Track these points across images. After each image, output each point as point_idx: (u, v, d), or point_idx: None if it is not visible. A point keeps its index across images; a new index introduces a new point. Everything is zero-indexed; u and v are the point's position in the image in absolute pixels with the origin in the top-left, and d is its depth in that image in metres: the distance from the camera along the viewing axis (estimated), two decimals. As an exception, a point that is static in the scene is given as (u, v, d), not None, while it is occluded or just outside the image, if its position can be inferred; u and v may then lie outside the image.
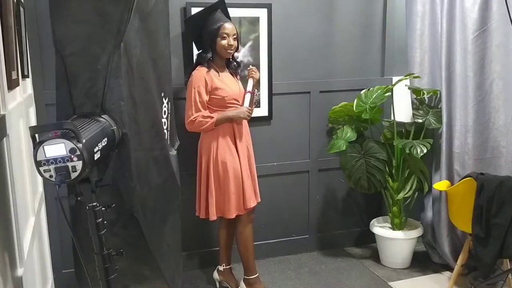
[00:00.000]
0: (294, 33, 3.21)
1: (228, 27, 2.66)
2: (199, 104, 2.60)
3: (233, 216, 2.74)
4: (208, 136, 2.71)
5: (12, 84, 2.04)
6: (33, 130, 1.15)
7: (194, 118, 2.60)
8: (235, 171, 2.70)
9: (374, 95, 3.07)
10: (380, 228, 3.27)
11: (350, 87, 3.35)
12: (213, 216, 2.73)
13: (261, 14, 3.07)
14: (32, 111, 2.69)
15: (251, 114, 2.76)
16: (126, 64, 1.44)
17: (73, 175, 1.18)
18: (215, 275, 3.04)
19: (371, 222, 3.37)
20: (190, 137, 2.74)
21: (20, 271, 1.86)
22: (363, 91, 3.18)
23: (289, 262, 3.36)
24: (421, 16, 3.15)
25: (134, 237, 1.60)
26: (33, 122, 2.71)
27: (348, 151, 3.16)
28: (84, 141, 1.17)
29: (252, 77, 2.76)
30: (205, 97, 2.63)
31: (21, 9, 2.37)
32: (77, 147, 1.15)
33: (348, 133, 3.15)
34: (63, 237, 2.93)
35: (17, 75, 2.19)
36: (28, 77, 2.60)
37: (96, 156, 1.25)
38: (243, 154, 2.75)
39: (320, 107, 3.33)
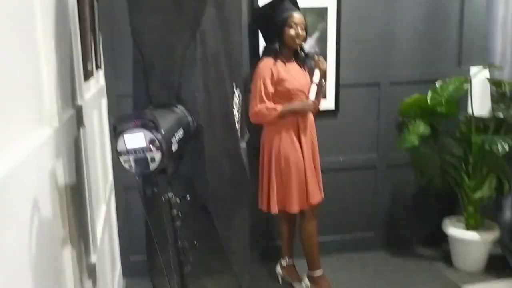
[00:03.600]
0: (363, 22, 3.07)
1: (297, 16, 2.58)
2: (264, 95, 2.55)
3: (295, 211, 2.68)
4: (271, 129, 2.65)
5: (87, 75, 2.10)
6: (115, 120, 1.14)
7: (258, 109, 2.55)
8: (297, 165, 2.63)
9: (451, 87, 2.89)
10: (454, 228, 3.08)
11: (423, 78, 3.17)
12: (274, 210, 2.68)
13: (330, 4, 2.97)
14: (104, 102, 2.76)
15: (317, 106, 2.67)
16: (202, 54, 1.41)
17: (152, 166, 1.16)
18: (278, 269, 3.00)
19: (444, 221, 3.19)
20: (253, 129, 2.70)
21: (93, 258, 1.90)
22: (439, 82, 2.99)
23: (354, 260, 3.25)
24: (504, 3, 2.91)
25: (206, 229, 1.58)
26: (105, 113, 2.78)
27: (420, 146, 2.99)
28: (163, 132, 1.15)
29: (319, 67, 2.66)
30: (271, 89, 2.57)
31: (95, 0, 2.42)
32: (156, 138, 1.14)
33: (421, 128, 2.98)
34: (131, 225, 3.00)
35: (92, 67, 2.24)
36: (100, 68, 2.67)
37: (174, 147, 1.23)
38: (307, 148, 2.67)
39: (390, 100, 3.17)
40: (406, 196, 3.37)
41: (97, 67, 2.49)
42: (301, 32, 2.59)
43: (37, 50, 1.26)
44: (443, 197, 3.30)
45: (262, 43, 2.81)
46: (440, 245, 3.34)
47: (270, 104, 2.57)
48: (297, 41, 2.61)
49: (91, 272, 1.83)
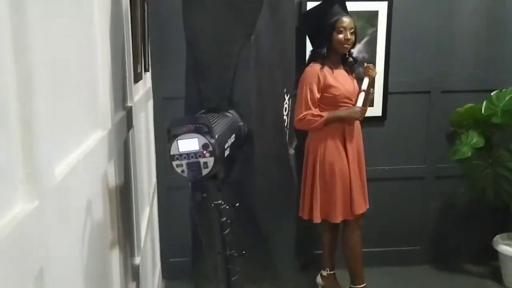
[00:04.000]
0: (415, 27, 2.96)
1: (346, 20, 2.51)
2: (309, 101, 2.50)
3: (338, 221, 2.60)
4: (316, 136, 2.59)
5: (137, 78, 2.11)
6: (169, 123, 1.12)
7: (303, 116, 2.50)
8: (342, 174, 2.55)
9: (508, 97, 2.74)
10: (506, 246, 2.91)
11: (477, 87, 3.02)
12: (317, 219, 2.61)
13: (381, 7, 2.88)
14: (150, 104, 2.79)
15: (364, 114, 2.59)
16: (255, 57, 1.37)
17: (204, 172, 1.14)
18: (318, 279, 2.92)
19: (495, 238, 3.02)
20: (298, 136, 2.65)
21: (137, 260, 1.91)
22: (494, 92, 2.85)
23: (398, 274, 3.13)
24: None
25: (252, 237, 1.54)
26: (151, 115, 2.80)
27: (473, 158, 2.85)
28: (216, 136, 1.12)
29: (369, 75, 2.58)
30: (317, 95, 2.52)
31: (145, 4, 2.45)
32: (210, 142, 1.11)
33: (474, 139, 2.84)
34: (172, 227, 3.00)
35: (141, 69, 2.26)
36: (148, 70, 2.69)
37: (226, 152, 1.20)
38: (352, 156, 2.59)
39: (441, 109, 3.04)
40: (455, 209, 3.22)
41: (145, 69, 2.51)
42: (350, 37, 2.52)
43: (93, 51, 1.26)
44: (495, 212, 3.13)
45: (309, 48, 2.76)
46: (490, 263, 3.17)
47: (315, 111, 2.51)
48: (346, 46, 2.54)
49: (135, 273, 1.83)
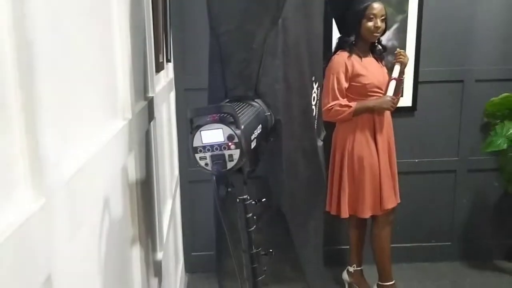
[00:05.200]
0: (447, 13, 2.82)
1: (376, 7, 2.39)
2: (337, 91, 2.40)
3: (367, 216, 2.51)
4: (345, 127, 2.49)
5: (159, 68, 2.05)
6: (192, 113, 1.04)
7: (330, 106, 2.40)
8: (372, 167, 2.45)
9: (548, 86, 2.58)
10: (544, 243, 2.77)
11: (513, 76, 2.86)
12: (345, 214, 2.52)
13: (412, -8, 2.74)
14: (172, 95, 2.73)
15: (395, 104, 2.47)
16: (283, 44, 1.29)
17: (230, 165, 1.06)
18: (345, 275, 2.83)
19: (531, 235, 2.88)
20: (326, 126, 2.55)
21: (159, 255, 1.86)
22: (533, 80, 2.69)
23: (428, 270, 3.01)
24: None
25: (279, 234, 1.47)
26: (173, 106, 2.74)
27: (509, 150, 2.70)
28: (242, 127, 1.04)
29: (400, 61, 2.46)
30: (344, 84, 2.41)
31: (167, -7, 2.38)
32: (235, 133, 1.03)
33: (510, 130, 2.69)
34: (195, 220, 2.96)
35: (163, 59, 2.20)
36: (170, 61, 2.63)
37: (253, 144, 1.12)
38: (383, 149, 2.48)
39: (475, 98, 2.90)
40: (488, 204, 3.07)
41: (167, 60, 2.45)
42: (380, 25, 2.40)
43: (112, 40, 1.20)
44: (531, 208, 2.98)
45: (335, 35, 2.65)
46: (526, 260, 3.03)
47: (343, 101, 2.40)
48: (375, 34, 2.42)
49: (157, 269, 1.78)
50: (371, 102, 2.43)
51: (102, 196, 0.94)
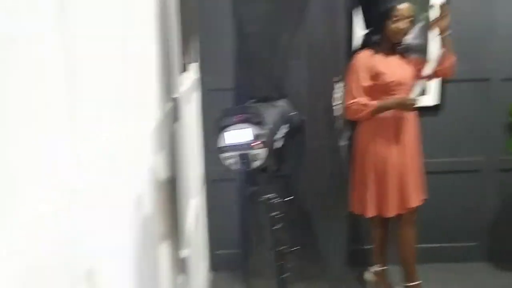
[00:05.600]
0: (474, 11, 2.78)
1: (402, 8, 2.34)
2: (357, 90, 2.37)
3: (391, 215, 2.48)
4: (368, 126, 2.47)
5: (183, 69, 2.09)
6: (218, 114, 1.07)
7: (349, 104, 2.36)
8: (395, 167, 2.42)
9: None
10: None
11: (541, 74, 2.80)
12: (369, 213, 2.50)
13: (436, -10, 2.71)
14: (196, 96, 2.77)
15: (414, 104, 2.35)
16: (307, 44, 1.30)
17: (255, 164, 1.08)
18: (367, 276, 2.82)
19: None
20: (349, 124, 2.54)
21: (185, 252, 1.90)
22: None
23: (454, 271, 2.97)
24: None
25: (303, 233, 1.48)
26: (197, 106, 2.79)
27: (537, 149, 2.65)
28: (268, 127, 1.07)
29: (446, 15, 2.34)
30: (365, 83, 2.38)
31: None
32: (260, 133, 1.05)
33: (539, 129, 2.63)
34: (219, 219, 2.99)
35: (188, 60, 2.24)
36: (195, 62, 2.67)
37: (278, 144, 1.14)
38: (407, 146, 2.45)
39: (502, 97, 2.85)
40: (516, 204, 3.02)
41: (192, 61, 2.49)
42: (404, 27, 2.36)
43: (141, 43, 1.24)
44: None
45: (357, 33, 2.64)
46: (556, 262, 2.96)
47: (362, 100, 2.38)
48: (399, 36, 2.40)
49: (183, 266, 1.82)
50: (390, 101, 2.38)
51: (133, 193, 0.98)
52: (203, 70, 2.79)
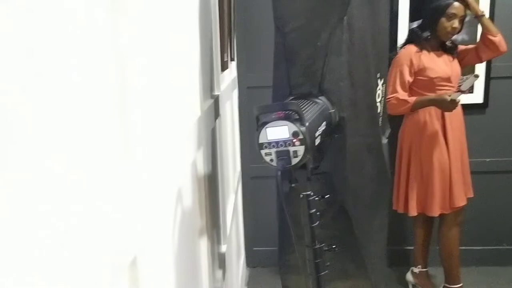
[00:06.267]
0: (523, 4, 2.66)
1: (457, 6, 2.27)
2: (398, 84, 2.33)
3: (436, 214, 2.43)
4: (413, 122, 2.42)
5: (224, 66, 2.11)
6: (258, 110, 1.08)
7: (388, 99, 2.31)
8: (441, 164, 2.36)
9: None
10: None
11: None
12: (413, 212, 2.46)
13: (483, -17, 2.62)
14: (235, 93, 2.80)
15: (454, 106, 2.22)
16: (348, 40, 1.29)
17: (294, 161, 1.08)
18: (409, 277, 2.76)
19: None
20: (393, 121, 2.49)
21: (223, 248, 1.92)
22: None
23: (498, 274, 2.87)
24: None
25: (343, 231, 1.47)
26: (236, 104, 2.81)
27: None
28: (307, 124, 1.06)
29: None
30: (407, 78, 2.34)
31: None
32: (300, 130, 1.05)
33: None
34: (256, 215, 3.01)
35: (227, 58, 2.26)
36: (234, 60, 2.70)
37: (317, 141, 1.13)
38: (453, 145, 2.39)
39: (553, 95, 2.72)
40: None
41: (231, 59, 2.51)
42: (458, 26, 2.30)
43: (183, 42, 1.26)
44: None
45: (401, 28, 2.59)
46: None
47: (401, 95, 2.33)
48: (451, 35, 2.33)
49: (221, 261, 1.85)
50: (429, 99, 2.30)
51: (176, 188, 1.00)
52: (242, 68, 2.82)
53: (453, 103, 2.21)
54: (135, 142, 0.63)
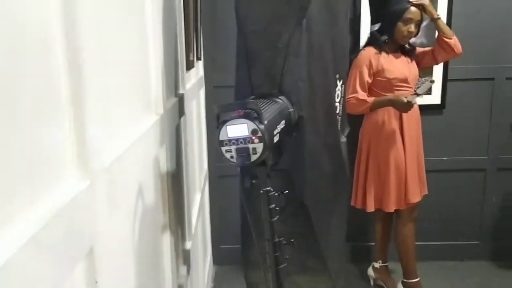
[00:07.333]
0: (478, 10, 2.79)
1: (414, 11, 2.37)
2: (357, 85, 2.42)
3: (391, 209, 2.52)
4: (372, 122, 2.51)
5: (189, 65, 2.14)
6: (218, 108, 1.12)
7: (348, 98, 2.39)
8: (397, 162, 2.46)
9: None
10: None
11: (545, 73, 2.81)
12: (370, 208, 2.55)
13: (441, -11, 2.74)
14: (202, 92, 2.82)
15: (409, 107, 2.29)
16: (307, 43, 1.34)
17: (253, 158, 1.13)
18: (370, 271, 2.86)
19: None
20: (352, 121, 2.56)
21: (188, 245, 1.94)
22: None
23: (455, 269, 3.00)
24: None
25: (302, 226, 1.52)
26: (203, 103, 2.84)
27: (540, 149, 2.66)
28: (266, 122, 1.11)
29: (422, 4, 2.37)
30: (367, 79, 2.43)
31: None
32: (259, 128, 1.10)
33: (542, 129, 2.65)
34: (223, 213, 3.04)
35: (193, 57, 2.29)
36: (200, 59, 2.72)
37: (275, 139, 1.18)
38: (410, 144, 2.49)
39: (505, 97, 2.86)
40: (518, 204, 3.03)
41: (198, 58, 2.54)
42: (414, 30, 2.40)
43: (146, 40, 1.28)
44: None
45: (364, 31, 2.68)
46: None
47: (361, 95, 2.42)
48: (407, 39, 2.43)
49: (186, 257, 1.87)
50: (387, 99, 2.38)
51: (136, 182, 1.03)
52: (209, 67, 2.84)
53: (409, 105, 2.29)
54: (92, 137, 0.66)
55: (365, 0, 2.72)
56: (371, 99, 2.41)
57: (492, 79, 2.87)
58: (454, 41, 2.44)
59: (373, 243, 2.85)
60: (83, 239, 0.61)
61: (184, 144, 1.87)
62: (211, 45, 2.82)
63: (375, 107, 2.41)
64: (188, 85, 2.05)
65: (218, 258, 3.12)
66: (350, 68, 2.46)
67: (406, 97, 2.29)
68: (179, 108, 1.75)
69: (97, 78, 0.74)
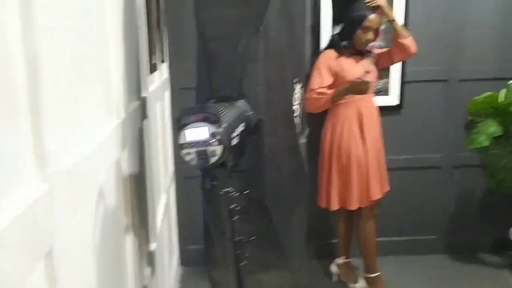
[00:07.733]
0: (432, 14, 2.92)
1: (372, 19, 2.46)
2: (316, 83, 2.49)
3: (354, 207, 2.61)
4: (332, 121, 2.59)
5: (152, 68, 2.15)
6: (178, 112, 1.15)
7: (308, 96, 2.45)
8: (359, 160, 2.55)
9: (527, 85, 2.68)
10: (524, 237, 2.88)
11: (496, 75, 2.96)
12: (334, 206, 2.63)
13: (397, -5, 2.85)
14: (167, 94, 2.83)
15: (367, 85, 2.42)
16: (264, 48, 1.40)
17: (212, 160, 1.17)
18: (333, 268, 2.94)
19: (511, 229, 2.99)
20: (314, 123, 2.64)
21: (153, 246, 1.96)
22: (513, 80, 2.80)
23: (414, 263, 3.12)
24: None
25: (263, 225, 1.57)
26: (168, 105, 2.85)
27: (491, 147, 2.81)
28: (224, 125, 1.16)
29: (377, 5, 2.45)
30: (326, 78, 2.49)
31: (161, -5, 2.48)
32: (217, 131, 1.14)
33: (492, 128, 2.80)
34: (190, 215, 3.06)
35: (157, 60, 2.30)
36: (164, 61, 2.73)
37: (234, 141, 1.23)
38: (370, 141, 2.58)
39: (459, 97, 3.00)
40: (473, 199, 3.19)
41: (162, 60, 2.55)
42: (372, 37, 2.49)
43: (106, 44, 1.30)
44: (513, 202, 3.10)
45: (324, 35, 2.76)
46: (507, 253, 3.14)
47: (319, 89, 2.49)
48: (365, 46, 2.53)
49: (150, 259, 1.89)
50: (345, 87, 2.45)
51: (97, 186, 1.05)
52: (174, 69, 2.86)
53: (366, 84, 2.41)
54: (50, 141, 0.68)
55: (325, 4, 2.80)
56: (330, 91, 2.47)
57: (446, 80, 3.01)
58: (408, 40, 2.54)
59: (336, 241, 2.93)
60: (43, 239, 0.64)
61: (147, 147, 1.89)
62: (176, 46, 2.83)
63: (336, 99, 2.48)
64: (151, 88, 2.07)
65: (185, 258, 3.14)
66: (311, 70, 2.54)
67: (358, 79, 2.40)
68: (142, 111, 1.77)
69: (55, 84, 0.77)
